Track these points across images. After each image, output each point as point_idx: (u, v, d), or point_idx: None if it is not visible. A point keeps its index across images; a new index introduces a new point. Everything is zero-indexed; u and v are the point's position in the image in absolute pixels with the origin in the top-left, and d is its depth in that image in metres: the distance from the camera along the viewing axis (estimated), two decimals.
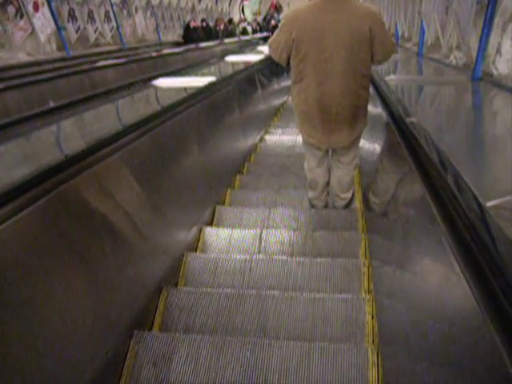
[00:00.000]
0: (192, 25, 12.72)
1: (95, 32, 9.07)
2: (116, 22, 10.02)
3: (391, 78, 2.98)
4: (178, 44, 11.85)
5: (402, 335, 1.43)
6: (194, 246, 2.58)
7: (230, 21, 16.53)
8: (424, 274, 1.35)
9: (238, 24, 16.81)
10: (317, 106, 2.42)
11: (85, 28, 8.57)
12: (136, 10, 11.38)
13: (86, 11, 8.66)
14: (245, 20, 18.17)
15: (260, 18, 18.93)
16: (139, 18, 11.57)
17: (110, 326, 1.59)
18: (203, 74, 3.92)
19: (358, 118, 2.49)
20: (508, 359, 0.65)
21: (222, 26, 14.82)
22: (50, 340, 1.25)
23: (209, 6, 17.97)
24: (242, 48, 11.50)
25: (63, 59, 6.89)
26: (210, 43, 11.08)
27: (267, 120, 5.70)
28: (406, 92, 2.63)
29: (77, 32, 8.30)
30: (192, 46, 10.43)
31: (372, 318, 1.85)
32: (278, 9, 18.57)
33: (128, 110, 2.71)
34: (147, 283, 1.93)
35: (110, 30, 9.84)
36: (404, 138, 1.85)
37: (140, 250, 1.91)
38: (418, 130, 1.59)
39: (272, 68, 6.20)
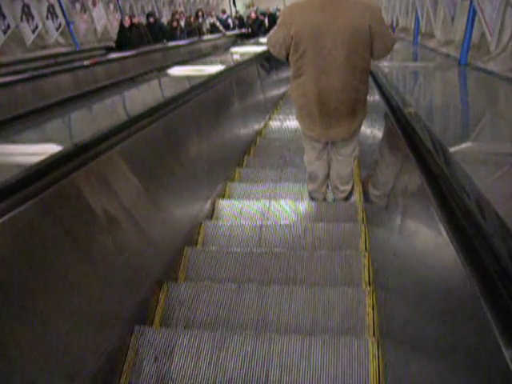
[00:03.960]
0: (126, 23, 8.84)
1: (34, 32, 7.66)
2: (65, 18, 8.48)
3: (385, 65, 3.12)
4: (108, 50, 8.75)
5: (402, 326, 1.43)
6: (195, 239, 2.58)
7: (197, 14, 13.35)
8: (424, 264, 1.34)
9: (205, 19, 13.53)
10: (315, 101, 2.41)
11: (17, 27, 7.22)
12: (94, 2, 9.71)
13: (20, 6, 7.33)
14: (236, 13, 16.28)
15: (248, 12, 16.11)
16: (98, 12, 9.78)
17: (111, 321, 1.59)
18: None
19: (356, 111, 2.48)
20: (505, 348, 0.66)
21: (181, 23, 11.29)
22: (51, 336, 1.25)
23: None
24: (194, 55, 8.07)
25: None
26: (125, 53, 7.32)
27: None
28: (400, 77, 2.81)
29: (5, 33, 6.99)
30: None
31: (372, 309, 1.84)
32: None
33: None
34: (148, 278, 1.93)
35: (57, 29, 8.34)
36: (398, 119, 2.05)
37: (140, 244, 1.91)
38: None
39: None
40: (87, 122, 2.27)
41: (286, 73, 6.71)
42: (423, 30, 5.13)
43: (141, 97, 2.98)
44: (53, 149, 1.43)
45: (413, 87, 2.77)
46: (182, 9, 14.22)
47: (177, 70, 3.94)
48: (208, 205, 2.87)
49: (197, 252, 2.36)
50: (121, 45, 8.57)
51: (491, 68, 2.87)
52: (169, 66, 4.18)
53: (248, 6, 20.30)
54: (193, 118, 2.85)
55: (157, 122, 2.23)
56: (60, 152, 1.42)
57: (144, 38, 9.01)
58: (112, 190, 1.74)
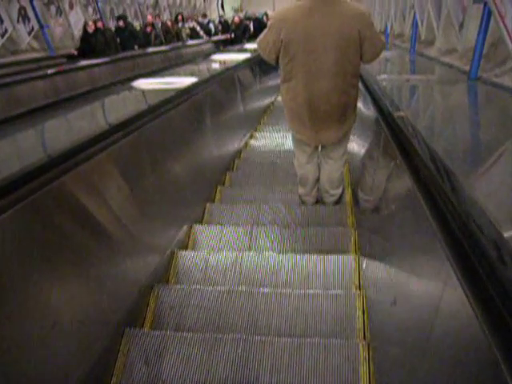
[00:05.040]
0: (90, 28, 7.73)
1: (3, 36, 7.17)
2: (39, 21, 7.93)
3: (383, 78, 2.83)
4: (69, 58, 7.54)
5: (392, 330, 1.45)
6: (185, 243, 2.54)
7: (177, 18, 12.34)
8: (414, 269, 1.36)
9: (183, 23, 12.41)
10: (305, 105, 2.43)
11: None
12: (71, 5, 9.12)
13: None
14: (221, 17, 15.34)
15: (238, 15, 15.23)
16: (75, 15, 9.15)
17: (101, 323, 1.58)
18: None
19: (346, 116, 2.50)
20: (498, 354, 0.67)
21: (157, 28, 10.19)
22: (41, 338, 1.24)
23: (178, 1, 15.65)
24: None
25: None
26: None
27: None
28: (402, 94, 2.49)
29: None
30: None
31: (363, 313, 1.85)
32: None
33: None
34: (138, 281, 1.91)
35: (29, 33, 7.78)
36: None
37: (130, 248, 1.90)
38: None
39: None
40: None
41: (272, 81, 6.40)
42: (423, 37, 4.77)
43: (88, 119, 2.40)
44: None
45: (419, 109, 2.37)
46: (163, 13, 13.54)
47: (140, 84, 3.40)
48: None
49: (187, 255, 2.31)
50: (84, 52, 7.58)
51: (508, 84, 2.55)
52: (132, 79, 3.64)
53: (237, 11, 19.89)
54: (146, 143, 2.26)
55: (103, 151, 1.75)
56: None
57: (111, 45, 8.02)
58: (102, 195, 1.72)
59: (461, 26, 3.36)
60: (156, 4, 13.62)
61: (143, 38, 9.52)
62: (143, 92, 3.18)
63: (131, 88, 3.28)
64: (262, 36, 2.42)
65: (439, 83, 3.04)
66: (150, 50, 8.58)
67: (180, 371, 1.63)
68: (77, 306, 1.46)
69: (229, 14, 18.14)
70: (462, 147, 1.46)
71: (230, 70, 4.53)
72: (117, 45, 8.38)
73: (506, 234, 0.74)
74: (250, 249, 2.53)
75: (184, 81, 3.28)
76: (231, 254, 2.32)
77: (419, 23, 4.71)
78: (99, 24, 7.94)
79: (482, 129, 1.77)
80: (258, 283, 2.17)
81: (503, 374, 0.63)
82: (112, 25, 10.66)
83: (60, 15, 8.77)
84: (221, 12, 18.74)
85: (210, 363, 1.64)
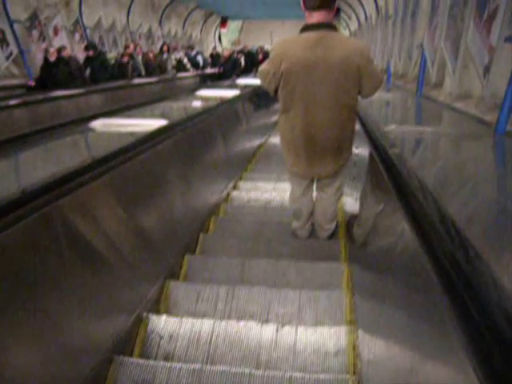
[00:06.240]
0: (52, 56, 6.90)
1: None
2: (19, 45, 7.38)
3: (392, 129, 2.29)
4: (29, 90, 6.78)
5: (384, 367, 1.45)
6: (177, 272, 2.49)
7: (162, 49, 11.55)
8: (407, 307, 1.32)
9: (169, 54, 11.52)
10: (302, 136, 2.47)
11: None
12: (56, 30, 8.49)
13: None
14: (214, 49, 14.69)
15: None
16: (60, 41, 8.43)
17: (90, 350, 1.58)
18: None
19: (342, 149, 2.54)
20: None
21: (138, 59, 9.28)
22: (26, 364, 1.27)
23: (173, 31, 15.33)
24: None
25: None
26: None
27: None
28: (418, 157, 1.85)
29: None
30: None
31: (353, 348, 1.84)
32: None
33: None
34: (128, 309, 1.89)
35: (7, 58, 7.24)
36: None
37: (121, 276, 1.88)
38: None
39: None
40: None
41: (263, 119, 6.03)
42: (433, 79, 4.27)
43: (31, 167, 1.91)
44: None
45: (447, 181, 1.50)
46: (156, 42, 12.71)
47: (100, 125, 2.77)
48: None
49: (179, 286, 2.27)
50: (44, 83, 6.79)
51: None
52: (92, 118, 2.97)
53: (234, 43, 19.92)
54: (103, 197, 1.91)
55: (48, 205, 1.43)
56: None
57: (76, 76, 7.19)
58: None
59: (486, 69, 2.76)
60: (149, 34, 13.21)
61: (118, 70, 8.56)
62: (98, 136, 2.60)
63: (84, 131, 2.65)
64: (263, 65, 2.48)
65: (461, 138, 2.38)
66: (119, 83, 7.84)
67: None
68: (66, 331, 1.46)
69: (226, 47, 17.74)
70: None
71: (211, 110, 3.84)
72: (84, 76, 7.63)
73: None
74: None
75: (151, 123, 2.65)
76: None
77: (429, 64, 4.14)
78: (65, 52, 7.10)
79: None
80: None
81: None
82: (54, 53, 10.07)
83: (43, 40, 8.14)
84: (217, 44, 18.69)
85: None
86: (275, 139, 6.15)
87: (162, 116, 3.34)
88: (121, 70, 8.61)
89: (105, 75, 8.00)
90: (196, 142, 3.38)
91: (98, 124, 2.75)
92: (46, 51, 7.02)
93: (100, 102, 6.63)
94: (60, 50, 7.07)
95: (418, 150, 2.16)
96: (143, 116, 3.22)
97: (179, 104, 4.22)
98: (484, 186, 1.41)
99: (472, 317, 0.72)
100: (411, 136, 2.34)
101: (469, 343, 0.70)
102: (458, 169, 1.68)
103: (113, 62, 8.84)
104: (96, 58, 7.99)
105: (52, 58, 6.88)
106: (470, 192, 1.35)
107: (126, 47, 9.51)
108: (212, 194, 3.59)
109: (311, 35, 2.29)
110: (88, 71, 7.91)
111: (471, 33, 2.94)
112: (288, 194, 3.02)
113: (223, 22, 18.33)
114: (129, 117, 3.08)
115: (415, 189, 1.25)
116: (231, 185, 4.12)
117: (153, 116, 3.32)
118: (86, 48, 8.03)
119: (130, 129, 2.65)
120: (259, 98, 6.48)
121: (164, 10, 14.10)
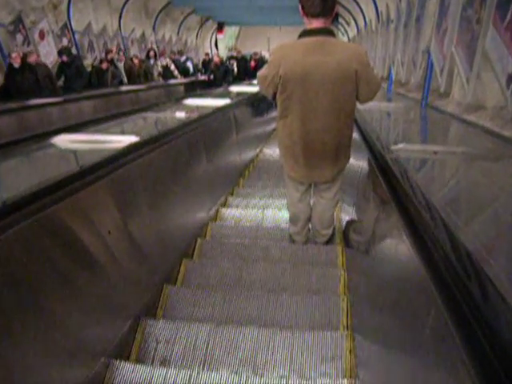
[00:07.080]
0: (15, 61, 6.27)
1: None
2: (1, 50, 7.01)
3: (400, 149, 1.94)
4: None
5: (381, 372, 1.43)
6: (174, 276, 2.47)
7: (149, 54, 10.93)
8: (404, 312, 1.28)
9: (155, 60, 10.96)
10: (300, 142, 2.47)
11: None
12: (42, 34, 8.01)
13: None
14: (206, 55, 14.25)
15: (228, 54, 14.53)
16: (46, 46, 8.03)
17: (87, 354, 1.57)
18: None
19: (340, 155, 2.54)
20: None
21: (118, 65, 8.59)
22: (24, 368, 1.25)
23: (167, 37, 15.03)
24: None
25: None
26: None
27: None
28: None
29: None
30: None
31: (350, 353, 1.84)
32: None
33: None
34: (125, 314, 1.87)
35: None
36: None
37: (118, 280, 1.84)
38: None
39: None
40: None
41: (257, 129, 5.72)
42: (442, 88, 3.89)
43: None
44: None
45: (475, 220, 1.21)
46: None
47: (62, 141, 2.37)
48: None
49: (176, 290, 2.27)
50: (9, 92, 6.21)
51: None
52: (55, 133, 2.53)
53: (230, 50, 19.72)
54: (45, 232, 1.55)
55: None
56: None
57: (44, 85, 6.49)
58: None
59: (510, 78, 2.38)
60: (143, 39, 12.72)
61: (96, 77, 7.93)
62: (61, 154, 2.27)
63: (41, 149, 2.29)
64: (262, 70, 2.50)
65: (482, 159, 2.00)
66: (93, 92, 7.16)
67: None
68: (61, 335, 1.43)
69: (223, 53, 17.83)
70: None
71: (193, 123, 3.33)
72: (55, 84, 6.97)
73: None
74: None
75: (122, 139, 2.33)
76: None
77: (437, 71, 3.75)
78: (32, 58, 6.44)
79: None
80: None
81: None
82: (91, 59, 9.75)
83: (28, 45, 7.71)
84: (214, 50, 18.47)
85: None
86: (270, 150, 5.97)
87: (140, 130, 3.02)
88: (99, 78, 7.99)
89: (80, 83, 7.45)
90: (177, 159, 2.93)
91: (58, 140, 2.38)
92: (9, 56, 6.38)
93: (68, 113, 6.03)
94: (26, 55, 6.45)
95: (436, 179, 1.79)
96: (112, 131, 2.83)
97: (159, 115, 3.81)
98: None
99: (472, 327, 0.75)
100: (423, 157, 1.95)
101: (467, 352, 0.72)
102: (494, 208, 1.30)
103: (89, 68, 8.33)
104: (71, 65, 7.41)
105: (16, 64, 6.27)
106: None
107: (108, 52, 8.93)
108: (199, 213, 3.23)
109: (310, 40, 2.31)
110: (62, 79, 7.36)
111: (491, 37, 2.56)
112: (283, 212, 3.03)
113: (220, 28, 18.11)
114: (96, 132, 2.65)
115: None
116: (220, 201, 3.72)
117: (123, 131, 2.96)
118: (60, 53, 7.47)
119: (95, 146, 2.26)
120: (252, 107, 6.14)
121: (158, 15, 13.71)
